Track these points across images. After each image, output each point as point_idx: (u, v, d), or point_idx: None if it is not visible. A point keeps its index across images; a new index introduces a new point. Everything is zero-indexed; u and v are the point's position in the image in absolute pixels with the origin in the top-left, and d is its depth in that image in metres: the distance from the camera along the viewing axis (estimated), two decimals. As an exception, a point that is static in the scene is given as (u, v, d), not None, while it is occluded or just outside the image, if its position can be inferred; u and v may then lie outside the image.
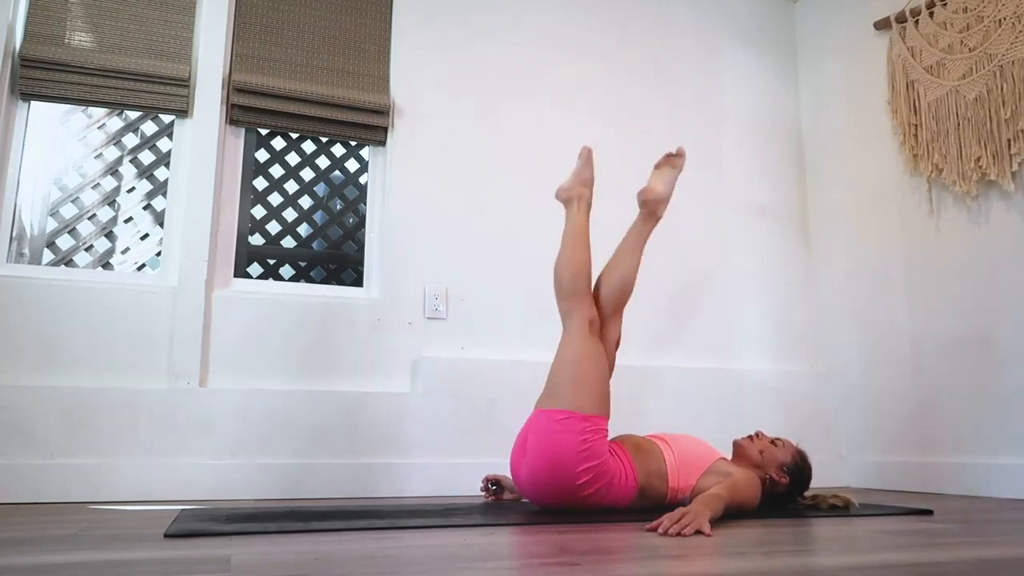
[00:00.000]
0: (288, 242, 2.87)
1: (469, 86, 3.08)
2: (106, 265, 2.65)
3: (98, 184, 2.68)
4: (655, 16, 3.44)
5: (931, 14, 2.99)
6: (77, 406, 2.35)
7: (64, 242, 2.61)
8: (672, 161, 2.35)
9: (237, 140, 2.82)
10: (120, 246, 2.67)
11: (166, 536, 1.47)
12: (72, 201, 2.64)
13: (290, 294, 2.73)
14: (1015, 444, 2.58)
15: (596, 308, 2.17)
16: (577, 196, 2.23)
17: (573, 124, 3.19)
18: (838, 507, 2.08)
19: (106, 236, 2.66)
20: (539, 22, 3.24)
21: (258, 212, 2.84)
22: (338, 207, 2.97)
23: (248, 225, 2.80)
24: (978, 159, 2.74)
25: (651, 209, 2.26)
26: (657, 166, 2.36)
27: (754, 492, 1.97)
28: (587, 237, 2.17)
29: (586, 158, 2.28)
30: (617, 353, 2.18)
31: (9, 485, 2.24)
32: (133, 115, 2.74)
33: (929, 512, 2.01)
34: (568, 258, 2.13)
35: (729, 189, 3.42)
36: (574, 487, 1.88)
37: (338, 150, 2.99)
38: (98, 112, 2.71)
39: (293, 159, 2.92)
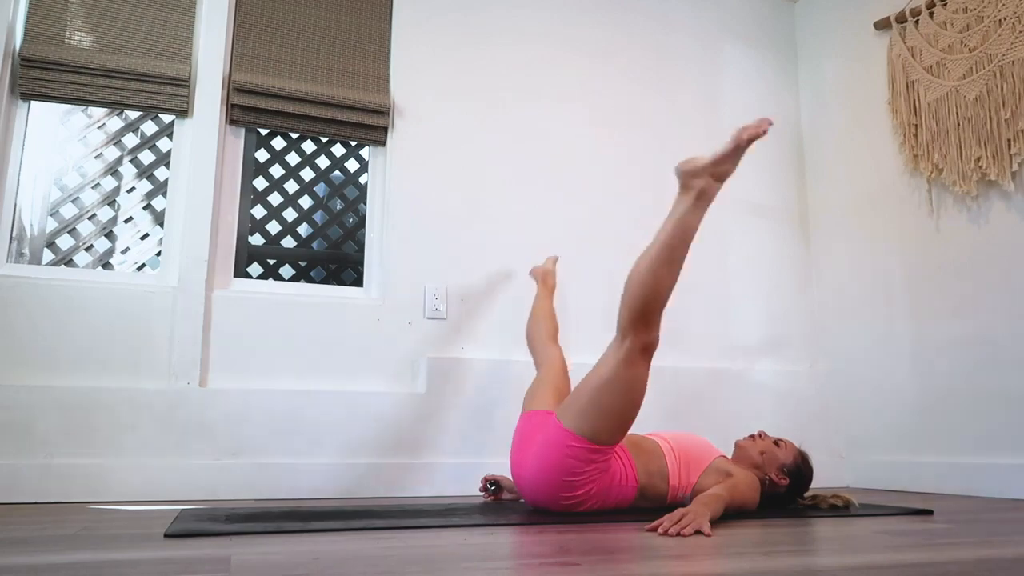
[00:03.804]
0: (288, 242, 2.87)
1: (469, 86, 3.08)
2: (106, 265, 2.65)
3: (98, 184, 2.68)
4: (655, 16, 3.44)
5: (931, 14, 2.99)
6: (77, 406, 2.35)
7: (64, 242, 2.61)
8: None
9: (237, 140, 2.82)
10: (120, 246, 2.67)
11: (166, 536, 1.47)
12: (72, 201, 2.64)
13: (290, 294, 2.73)
14: (1015, 444, 2.58)
15: (532, 342, 2.44)
16: (703, 188, 1.76)
17: (573, 124, 3.19)
18: (838, 507, 2.08)
19: (106, 236, 2.66)
20: (539, 22, 3.24)
21: (258, 212, 2.84)
22: (338, 207, 2.97)
23: (248, 225, 2.80)
24: (978, 159, 2.74)
25: (541, 279, 2.67)
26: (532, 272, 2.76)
27: (754, 492, 1.97)
28: (688, 246, 1.77)
29: (741, 143, 1.71)
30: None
31: (9, 485, 2.23)
32: (133, 115, 2.74)
33: (929, 512, 2.01)
34: (650, 268, 1.75)
35: (729, 189, 3.38)
36: (571, 504, 1.89)
37: (338, 150, 2.99)
38: (98, 112, 2.71)
39: (293, 159, 2.92)
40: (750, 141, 1.71)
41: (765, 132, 1.70)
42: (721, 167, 1.77)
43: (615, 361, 1.80)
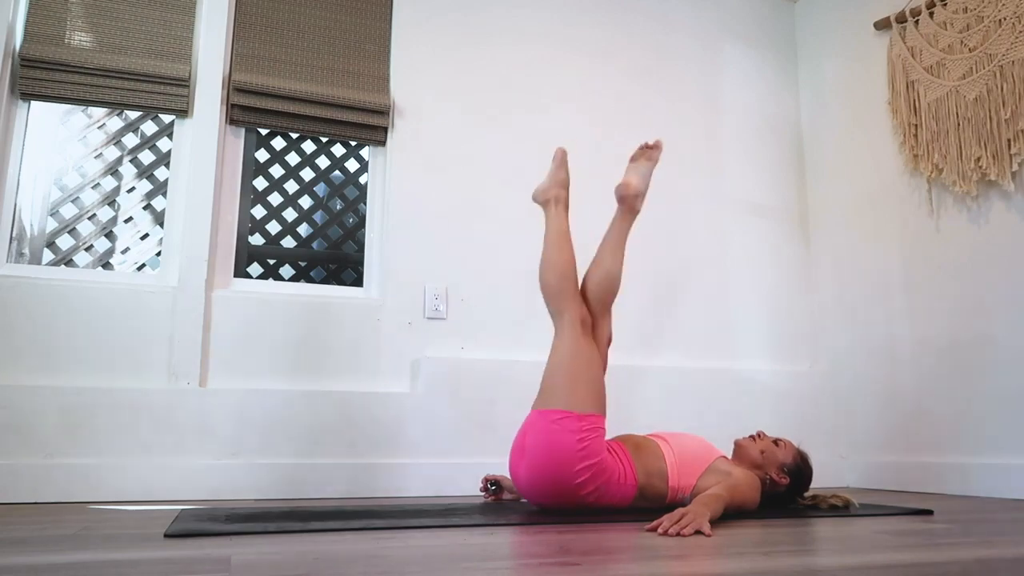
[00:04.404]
0: (288, 242, 2.87)
1: (469, 86, 3.08)
2: (106, 265, 2.65)
3: (98, 184, 2.68)
4: (655, 16, 3.44)
5: (931, 14, 2.99)
6: (77, 406, 2.35)
7: (64, 242, 2.61)
8: (648, 153, 2.27)
9: (237, 140, 2.82)
10: (120, 246, 2.67)
11: (166, 536, 1.47)
12: (72, 201, 2.64)
13: (290, 294, 2.73)
14: (1015, 444, 2.58)
15: (586, 307, 2.17)
16: (555, 198, 2.25)
17: (573, 123, 3.19)
18: (838, 507, 2.08)
19: (106, 236, 2.66)
20: (539, 22, 3.24)
21: (258, 212, 2.84)
22: (338, 207, 2.97)
23: (248, 225, 2.80)
24: (978, 159, 2.74)
25: (629, 204, 2.21)
26: (633, 159, 2.28)
27: (754, 492, 1.97)
28: (568, 237, 2.18)
29: (560, 160, 2.29)
30: (610, 351, 2.19)
31: (9, 485, 2.23)
32: (133, 115, 2.74)
33: (929, 512, 2.01)
34: (552, 259, 2.15)
35: (729, 189, 3.42)
36: (573, 486, 1.88)
37: (338, 150, 2.99)
38: (98, 112, 2.71)
39: (293, 159, 2.92)
40: (564, 154, 2.28)
41: (562, 151, 2.28)
42: (557, 177, 2.26)
43: (563, 338, 2.05)
